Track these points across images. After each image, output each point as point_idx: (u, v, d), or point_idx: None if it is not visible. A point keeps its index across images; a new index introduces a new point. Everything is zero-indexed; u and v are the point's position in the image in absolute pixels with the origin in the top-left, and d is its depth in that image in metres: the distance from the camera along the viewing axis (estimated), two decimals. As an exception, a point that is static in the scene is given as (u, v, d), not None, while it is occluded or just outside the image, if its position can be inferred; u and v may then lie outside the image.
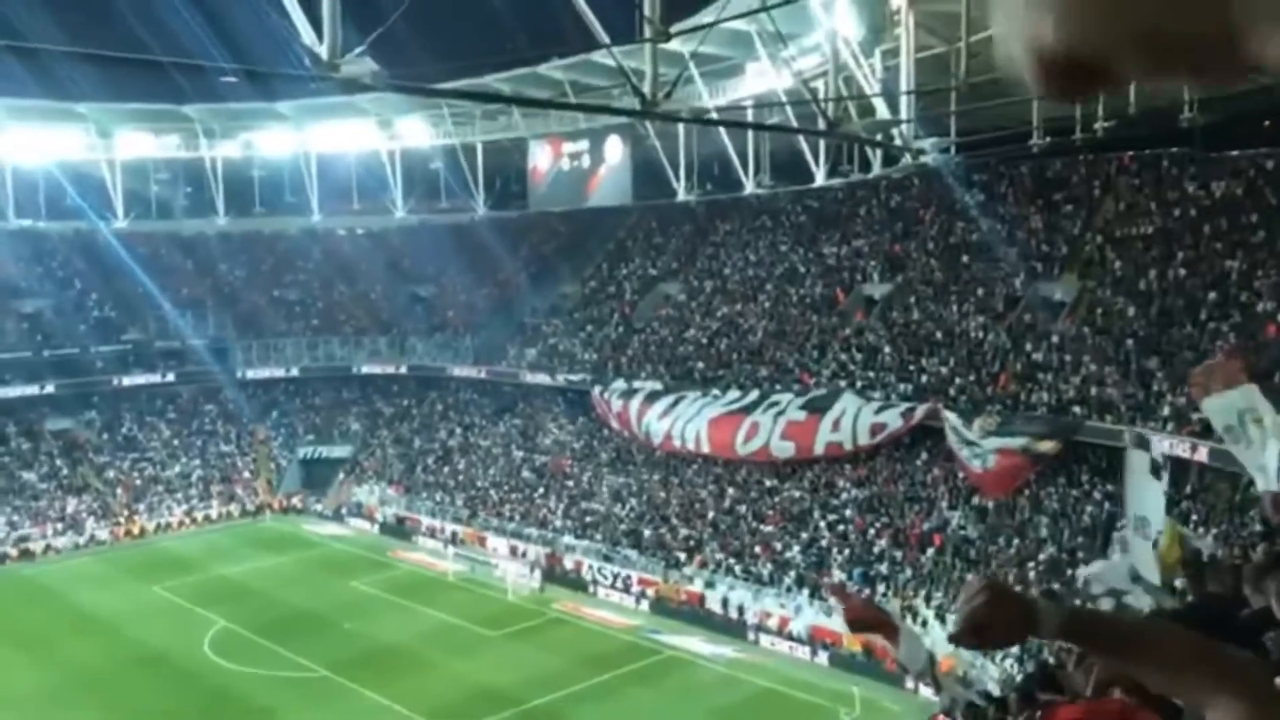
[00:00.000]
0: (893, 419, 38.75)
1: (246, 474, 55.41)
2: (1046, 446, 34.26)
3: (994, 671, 28.58)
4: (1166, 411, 31.96)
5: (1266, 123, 40.98)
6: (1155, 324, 35.91)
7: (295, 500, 54.35)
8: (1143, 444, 11.99)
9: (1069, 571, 29.40)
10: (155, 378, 56.42)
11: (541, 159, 55.57)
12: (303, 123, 57.72)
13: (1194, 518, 29.41)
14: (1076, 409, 34.74)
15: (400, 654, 33.64)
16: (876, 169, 39.38)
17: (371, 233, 66.48)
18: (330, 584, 41.60)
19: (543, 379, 53.02)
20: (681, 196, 49.52)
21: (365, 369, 59.27)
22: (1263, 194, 38.10)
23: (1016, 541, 33.97)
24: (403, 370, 59.08)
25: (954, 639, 1.88)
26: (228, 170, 59.24)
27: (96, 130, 55.75)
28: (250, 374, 58.09)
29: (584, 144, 53.49)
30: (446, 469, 53.10)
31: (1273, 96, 23.00)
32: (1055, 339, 38.10)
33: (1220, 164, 40.47)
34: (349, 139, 58.56)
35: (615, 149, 52.05)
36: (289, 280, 64.13)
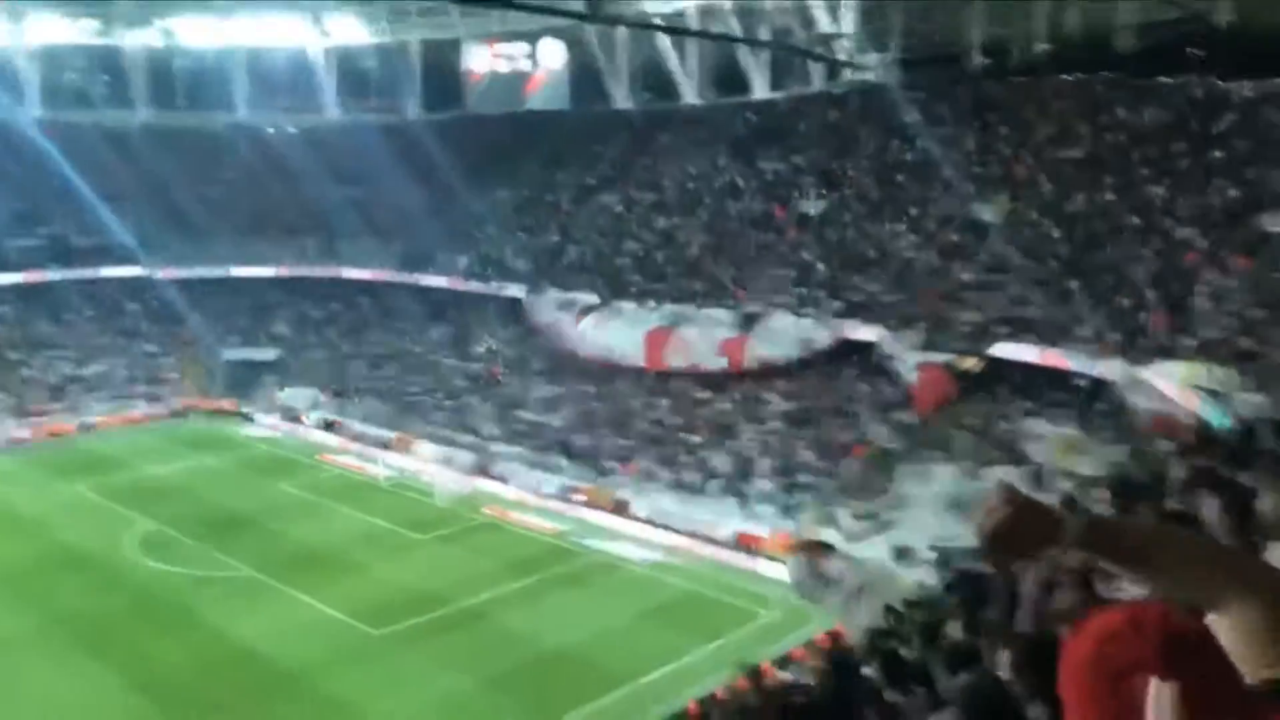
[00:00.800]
0: (822, 335, 39.40)
1: (173, 375, 54.43)
2: (969, 364, 35.20)
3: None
4: (1086, 332, 32.92)
5: (1201, 53, 41.39)
6: (1080, 246, 36.74)
7: (223, 402, 53.66)
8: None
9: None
10: (73, 273, 54.77)
11: (478, 61, 54.24)
12: (230, 12, 55.44)
13: (1106, 434, 30.59)
14: (1001, 328, 35.61)
15: (329, 555, 33.79)
16: (817, 84, 39.24)
17: (301, 131, 64.62)
18: (258, 486, 41.42)
19: (475, 286, 52.58)
20: (620, 104, 48.85)
21: (293, 271, 58.13)
22: (1190, 122, 38.85)
23: (939, 455, 34.99)
24: (332, 273, 58.09)
25: (980, 552, 1.85)
26: (149, 60, 56.79)
27: (6, 13, 52.95)
28: (175, 273, 56.69)
29: (522, 46, 52.30)
30: (377, 374, 52.74)
31: (1201, 24, 23.33)
32: (984, 258, 38.82)
33: (1152, 91, 41.04)
34: (278, 33, 56.47)
35: (554, 53, 50.97)
36: (215, 177, 62.23)
